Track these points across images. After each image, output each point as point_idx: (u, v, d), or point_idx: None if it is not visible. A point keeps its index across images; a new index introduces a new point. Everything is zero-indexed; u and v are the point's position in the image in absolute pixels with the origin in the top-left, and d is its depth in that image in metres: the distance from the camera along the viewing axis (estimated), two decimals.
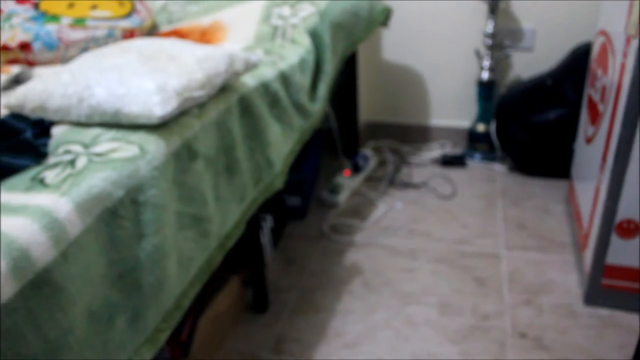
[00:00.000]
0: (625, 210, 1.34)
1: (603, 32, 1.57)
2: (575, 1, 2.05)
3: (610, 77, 1.41)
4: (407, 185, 2.11)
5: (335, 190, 2.03)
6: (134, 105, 0.89)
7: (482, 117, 2.24)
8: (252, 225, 1.41)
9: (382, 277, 1.63)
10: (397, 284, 1.59)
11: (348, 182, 2.08)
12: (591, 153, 1.55)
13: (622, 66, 1.30)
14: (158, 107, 0.89)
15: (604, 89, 1.47)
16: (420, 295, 1.54)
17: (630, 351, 1.31)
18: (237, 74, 1.11)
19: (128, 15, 1.57)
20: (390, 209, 1.97)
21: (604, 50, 1.53)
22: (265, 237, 1.58)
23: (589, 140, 1.61)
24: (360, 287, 1.59)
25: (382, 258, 1.71)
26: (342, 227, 1.88)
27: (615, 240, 1.38)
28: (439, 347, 1.37)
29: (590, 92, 1.66)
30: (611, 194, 1.34)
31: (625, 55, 1.29)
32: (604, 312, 1.45)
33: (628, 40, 1.27)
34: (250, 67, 1.14)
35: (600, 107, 1.49)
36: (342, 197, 2.02)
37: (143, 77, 0.92)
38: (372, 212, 1.96)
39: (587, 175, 1.58)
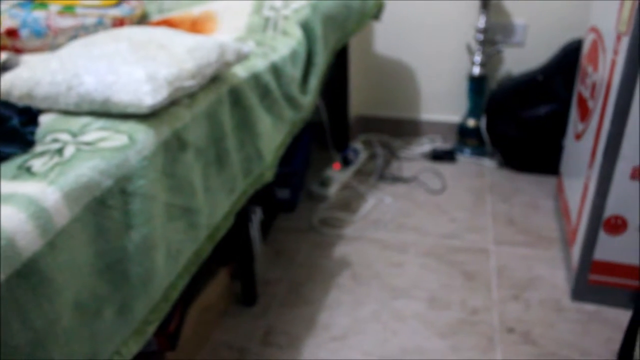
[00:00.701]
0: (613, 207, 1.35)
1: (594, 29, 1.57)
2: None
3: (601, 74, 1.41)
4: (396, 179, 2.11)
5: (325, 183, 2.02)
6: (123, 94, 0.88)
7: (473, 112, 2.24)
8: (242, 217, 1.40)
9: (371, 270, 1.63)
10: (385, 278, 1.59)
11: (338, 176, 2.07)
12: (580, 149, 1.56)
13: (613, 63, 1.31)
14: (148, 96, 0.87)
15: (594, 85, 1.48)
16: (409, 289, 1.55)
17: (617, 346, 1.32)
18: (228, 65, 1.10)
19: (118, 3, 1.55)
20: (380, 203, 1.97)
21: (594, 47, 1.54)
22: (255, 230, 1.57)
23: (578, 136, 1.61)
24: (349, 280, 1.59)
25: (371, 251, 1.71)
26: (331, 220, 1.88)
27: (603, 236, 1.39)
28: (427, 341, 1.37)
29: (581, 88, 1.66)
30: (599, 190, 1.35)
31: (615, 52, 1.30)
32: (590, 307, 1.46)
33: (619, 38, 1.28)
34: (241, 57, 1.13)
35: (590, 104, 1.50)
36: (332, 191, 2.01)
37: (133, 66, 0.91)
38: (361, 205, 1.96)
39: (576, 172, 1.58)
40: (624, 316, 1.41)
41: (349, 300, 1.51)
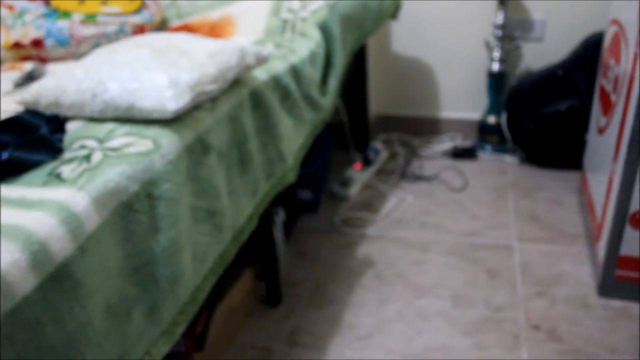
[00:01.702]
0: (639, 202, 1.33)
1: (615, 21, 1.56)
2: None
3: (623, 67, 1.40)
4: (418, 177, 2.11)
5: (346, 183, 2.03)
6: (147, 100, 0.90)
7: (493, 108, 2.23)
8: (265, 219, 1.41)
9: (394, 269, 1.63)
10: (409, 277, 1.59)
11: (359, 175, 2.08)
12: (604, 144, 1.54)
13: (635, 56, 1.29)
14: (171, 101, 0.89)
15: (616, 79, 1.46)
16: (432, 288, 1.54)
17: None
18: (248, 68, 1.11)
19: (138, 10, 1.57)
20: (401, 202, 1.97)
21: (616, 39, 1.52)
22: (278, 231, 1.58)
23: (601, 130, 1.60)
24: (372, 279, 1.60)
25: (394, 251, 1.71)
26: (353, 220, 1.88)
27: (629, 231, 1.37)
28: (451, 339, 1.37)
29: (603, 82, 1.64)
30: (624, 185, 1.33)
31: (638, 44, 1.28)
32: (617, 303, 1.45)
33: None
34: (261, 61, 1.14)
35: (613, 98, 1.48)
36: (353, 191, 2.02)
37: (155, 72, 0.93)
38: (383, 205, 1.96)
39: (600, 167, 1.57)
40: None
41: (373, 300, 1.52)
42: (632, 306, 1.43)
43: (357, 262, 1.68)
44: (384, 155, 2.23)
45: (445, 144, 2.33)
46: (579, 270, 1.57)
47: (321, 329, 1.43)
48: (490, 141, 2.26)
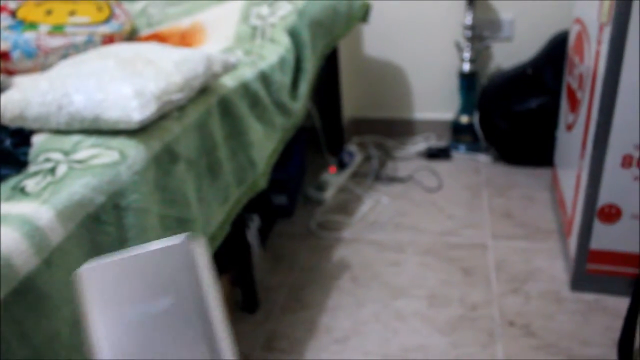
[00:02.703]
0: (606, 196, 1.36)
1: (578, 20, 1.59)
2: None
3: (587, 64, 1.43)
4: (392, 179, 2.13)
5: (321, 187, 2.04)
6: (112, 111, 0.90)
7: (465, 108, 2.25)
8: (239, 225, 1.41)
9: (370, 271, 1.64)
10: (385, 278, 1.60)
11: (334, 179, 2.09)
12: (572, 140, 1.57)
13: (597, 53, 1.32)
14: (136, 111, 0.89)
15: (581, 76, 1.49)
16: (409, 288, 1.56)
17: (617, 334, 1.33)
18: (215, 76, 1.11)
19: (107, 20, 1.56)
20: (377, 204, 1.98)
21: (579, 38, 1.55)
22: (252, 236, 1.58)
23: (569, 127, 1.63)
24: (349, 282, 1.60)
25: (370, 253, 1.72)
26: (329, 223, 1.89)
27: (598, 225, 1.40)
28: (428, 338, 1.38)
29: (569, 79, 1.67)
30: (591, 180, 1.36)
31: (599, 42, 1.31)
32: (590, 296, 1.47)
33: (601, 28, 1.29)
34: (228, 68, 1.15)
35: (579, 95, 1.51)
36: (329, 194, 2.03)
37: (121, 82, 0.93)
38: (358, 207, 1.97)
39: (569, 162, 1.60)
40: (623, 304, 1.42)
41: (349, 303, 1.53)
42: (604, 299, 1.46)
43: (333, 265, 1.68)
44: (358, 158, 2.24)
45: (419, 144, 2.35)
46: (552, 266, 1.60)
47: (298, 333, 1.44)
48: (463, 141, 2.29)
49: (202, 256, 0.34)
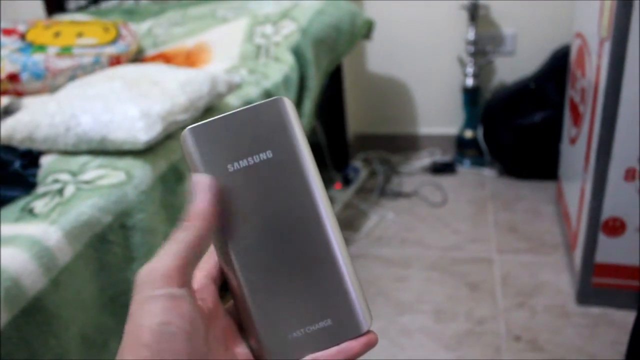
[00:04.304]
0: (610, 209, 1.36)
1: (579, 35, 1.60)
2: (553, 5, 2.09)
3: (588, 78, 1.44)
4: (398, 194, 2.14)
5: None
6: (119, 132, 0.91)
7: (469, 123, 2.26)
8: None
9: (376, 287, 1.64)
10: (391, 294, 1.61)
11: (339, 195, 2.10)
12: (575, 153, 1.58)
13: (598, 67, 1.33)
14: (142, 132, 0.91)
15: (583, 90, 1.50)
16: (414, 304, 1.56)
17: (624, 348, 1.33)
18: (220, 96, 1.13)
19: (113, 41, 1.59)
20: (382, 219, 1.99)
21: (581, 52, 1.56)
22: None
23: (572, 140, 1.63)
24: None
25: (376, 268, 1.73)
26: None
27: (602, 238, 1.40)
28: (434, 354, 1.38)
29: (572, 93, 1.68)
30: (595, 193, 1.36)
31: (599, 56, 1.32)
32: (596, 310, 1.47)
33: (601, 43, 1.30)
34: (233, 88, 1.17)
35: (581, 108, 1.52)
36: (334, 210, 2.03)
37: (127, 104, 0.95)
38: (364, 223, 1.98)
39: (573, 176, 1.60)
40: (629, 317, 1.42)
41: None
42: (610, 312, 1.45)
43: None
44: (363, 173, 2.25)
45: (424, 159, 2.36)
46: (558, 279, 1.59)
47: None
48: (468, 155, 2.30)
49: (293, 113, 0.37)
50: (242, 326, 0.36)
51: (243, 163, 0.36)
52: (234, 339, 0.36)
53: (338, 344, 0.36)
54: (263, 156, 0.36)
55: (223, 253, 0.36)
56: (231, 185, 0.35)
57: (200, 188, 0.34)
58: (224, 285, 0.37)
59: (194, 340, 0.31)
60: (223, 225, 0.35)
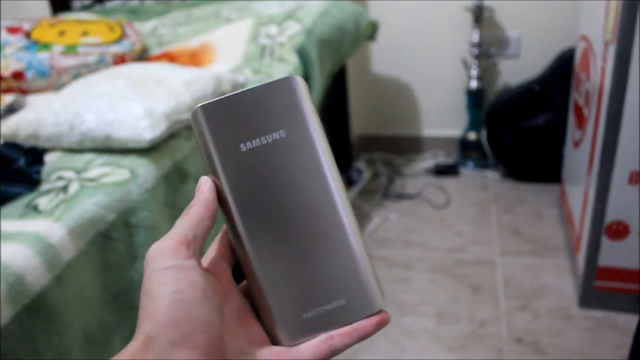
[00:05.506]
0: (614, 212, 1.36)
1: (584, 38, 1.60)
2: (558, 7, 2.09)
3: (593, 81, 1.44)
4: (401, 196, 2.14)
5: None
6: (123, 130, 0.92)
7: (473, 125, 2.26)
8: None
9: None
10: (393, 295, 1.61)
11: None
12: (579, 156, 1.57)
13: (603, 70, 1.33)
14: (147, 130, 0.91)
15: (587, 93, 1.50)
16: (417, 305, 1.56)
17: (626, 352, 1.32)
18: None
19: (118, 40, 1.60)
20: (385, 221, 1.98)
21: (585, 55, 1.56)
22: None
23: (576, 144, 1.63)
24: None
25: (378, 270, 1.72)
26: None
27: (605, 242, 1.40)
28: (436, 356, 1.38)
29: (576, 96, 1.68)
30: (599, 196, 1.36)
31: (604, 60, 1.32)
32: (598, 313, 1.46)
33: (606, 46, 1.30)
34: (237, 87, 1.17)
35: (585, 111, 1.52)
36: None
37: (132, 102, 0.95)
38: (367, 224, 1.97)
39: (577, 179, 1.60)
40: (632, 321, 1.42)
41: None
42: (613, 316, 1.45)
43: None
44: (366, 175, 2.25)
45: (427, 161, 2.36)
46: (561, 282, 1.59)
47: None
48: (471, 157, 2.29)
49: (306, 91, 0.37)
50: (256, 306, 0.36)
51: (256, 142, 0.35)
52: (248, 318, 0.36)
53: (351, 323, 0.36)
54: (276, 135, 0.36)
55: (235, 233, 0.36)
56: (243, 164, 0.35)
57: (203, 182, 0.35)
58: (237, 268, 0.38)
59: (207, 307, 0.32)
60: (235, 205, 0.35)
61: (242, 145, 0.35)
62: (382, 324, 0.37)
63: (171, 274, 0.31)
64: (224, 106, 0.35)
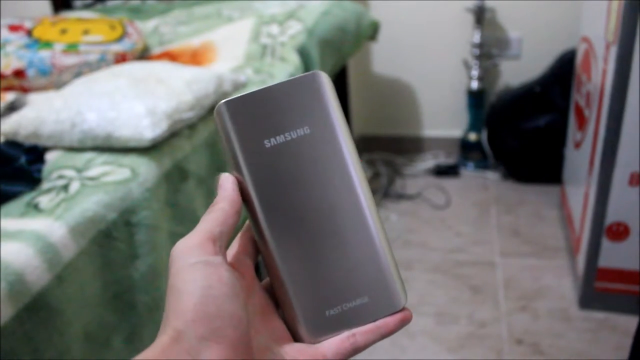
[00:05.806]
0: (614, 214, 1.36)
1: (585, 39, 1.60)
2: (559, 8, 2.09)
3: (594, 82, 1.44)
4: (401, 196, 2.14)
5: None
6: (124, 129, 0.92)
7: (474, 126, 2.26)
8: None
9: None
10: None
11: None
12: (580, 158, 1.57)
13: (604, 72, 1.33)
14: (148, 129, 0.91)
15: (588, 94, 1.50)
16: (417, 305, 1.56)
17: (626, 353, 1.32)
18: (226, 95, 1.13)
19: (120, 39, 1.59)
20: (385, 221, 1.98)
21: (587, 56, 1.56)
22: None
23: (577, 145, 1.63)
24: None
25: None
26: None
27: (606, 243, 1.40)
28: (436, 356, 1.38)
29: (577, 97, 1.68)
30: (599, 197, 1.36)
31: (605, 61, 1.32)
32: (598, 315, 1.46)
33: (607, 47, 1.30)
34: (238, 87, 1.17)
35: (586, 113, 1.52)
36: None
37: (133, 101, 0.95)
38: None
39: (577, 180, 1.60)
40: (632, 322, 1.42)
41: None
42: (613, 317, 1.45)
43: None
44: (367, 175, 2.25)
45: (428, 162, 2.36)
46: (561, 284, 1.59)
47: None
48: (472, 158, 2.29)
49: (330, 87, 0.36)
50: (278, 303, 0.36)
51: (280, 139, 0.35)
52: (271, 315, 0.36)
53: (375, 321, 0.36)
54: (300, 132, 0.35)
55: (258, 230, 0.35)
56: (268, 161, 0.35)
57: (225, 178, 0.35)
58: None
59: (236, 303, 0.32)
60: (258, 202, 0.35)
61: (266, 142, 0.35)
62: (404, 322, 0.37)
63: (199, 270, 0.31)
64: (248, 102, 0.35)
